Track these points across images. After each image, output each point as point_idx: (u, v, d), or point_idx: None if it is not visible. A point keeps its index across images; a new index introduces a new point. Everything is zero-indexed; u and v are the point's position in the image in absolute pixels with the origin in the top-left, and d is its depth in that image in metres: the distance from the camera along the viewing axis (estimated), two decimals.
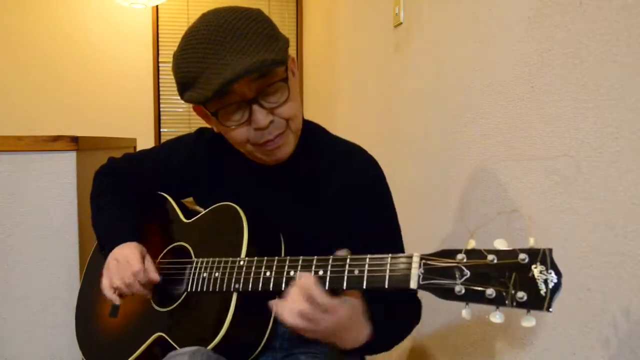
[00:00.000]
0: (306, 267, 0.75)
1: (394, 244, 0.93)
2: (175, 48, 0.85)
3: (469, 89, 1.10)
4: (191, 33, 0.82)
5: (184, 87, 0.83)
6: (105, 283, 0.95)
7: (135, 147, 2.15)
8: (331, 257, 0.73)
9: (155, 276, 0.93)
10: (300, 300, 0.67)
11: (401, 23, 1.51)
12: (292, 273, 0.76)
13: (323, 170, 0.93)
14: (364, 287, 0.68)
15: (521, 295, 0.55)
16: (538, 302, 0.55)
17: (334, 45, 2.48)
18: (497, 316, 0.57)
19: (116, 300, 0.94)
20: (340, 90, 2.40)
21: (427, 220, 1.32)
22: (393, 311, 0.86)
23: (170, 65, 0.86)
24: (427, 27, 1.35)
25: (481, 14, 1.05)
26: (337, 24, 2.48)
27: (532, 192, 0.88)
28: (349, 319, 0.73)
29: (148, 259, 0.95)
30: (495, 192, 1.00)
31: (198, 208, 1.07)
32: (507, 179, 0.96)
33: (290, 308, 0.69)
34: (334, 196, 0.91)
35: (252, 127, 0.83)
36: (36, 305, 1.46)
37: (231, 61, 0.77)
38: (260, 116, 0.81)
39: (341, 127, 2.31)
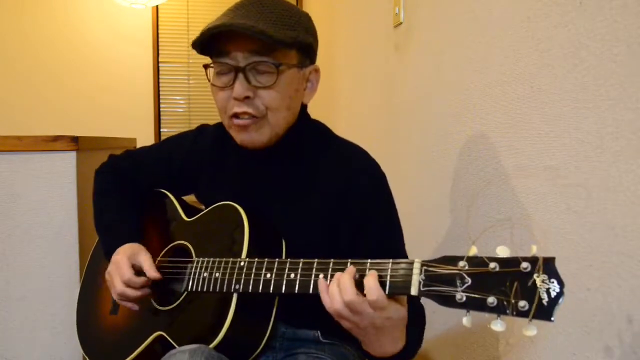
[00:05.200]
0: (307, 270, 0.74)
1: (396, 247, 0.91)
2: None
3: (469, 89, 1.10)
4: None
5: None
6: (110, 288, 0.95)
7: (135, 147, 2.14)
8: (332, 260, 0.73)
9: (154, 274, 0.91)
10: (351, 291, 0.65)
11: (401, 23, 1.51)
12: (292, 276, 0.75)
13: (324, 169, 0.93)
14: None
15: (523, 304, 0.55)
16: (540, 311, 0.54)
17: (334, 45, 2.48)
18: (498, 324, 0.57)
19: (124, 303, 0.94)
20: (340, 90, 2.40)
21: (427, 220, 1.32)
22: (415, 322, 0.81)
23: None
24: (427, 27, 1.35)
25: (481, 14, 1.05)
26: (337, 24, 2.48)
27: (532, 192, 0.88)
28: (391, 323, 0.70)
29: (146, 258, 0.94)
30: (495, 191, 1.00)
31: (199, 205, 1.06)
32: (507, 179, 0.96)
33: (339, 295, 0.67)
34: (333, 195, 0.91)
35: (232, 95, 0.85)
36: (36, 305, 1.45)
37: (237, 18, 0.82)
38: (240, 86, 0.84)
39: (341, 127, 2.31)
